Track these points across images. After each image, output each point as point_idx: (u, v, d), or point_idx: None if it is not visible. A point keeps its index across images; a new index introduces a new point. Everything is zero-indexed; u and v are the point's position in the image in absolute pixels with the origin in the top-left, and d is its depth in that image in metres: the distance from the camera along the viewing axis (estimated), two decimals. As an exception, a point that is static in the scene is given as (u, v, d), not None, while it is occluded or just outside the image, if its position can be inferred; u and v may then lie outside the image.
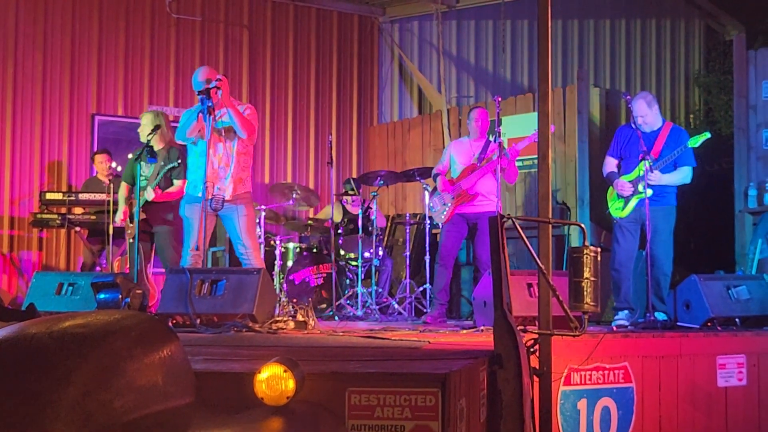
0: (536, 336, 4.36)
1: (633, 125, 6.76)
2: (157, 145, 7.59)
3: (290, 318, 5.99)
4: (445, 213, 7.51)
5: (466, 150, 7.67)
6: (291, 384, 2.84)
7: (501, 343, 3.83)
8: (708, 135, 6.64)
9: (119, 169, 9.38)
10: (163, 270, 7.28)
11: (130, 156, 8.24)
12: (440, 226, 7.72)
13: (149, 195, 7.32)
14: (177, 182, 7.44)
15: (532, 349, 4.33)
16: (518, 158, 7.58)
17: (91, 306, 6.31)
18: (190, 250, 6.52)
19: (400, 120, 12.05)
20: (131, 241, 7.45)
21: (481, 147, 7.55)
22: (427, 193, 8.25)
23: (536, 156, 4.49)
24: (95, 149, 9.97)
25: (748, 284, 6.66)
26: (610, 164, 7.02)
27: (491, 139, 7.39)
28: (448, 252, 7.54)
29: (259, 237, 8.30)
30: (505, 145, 7.11)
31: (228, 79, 6.51)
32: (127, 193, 7.81)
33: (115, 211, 8.29)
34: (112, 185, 8.41)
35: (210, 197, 6.37)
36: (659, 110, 7.01)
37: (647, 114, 6.81)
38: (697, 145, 6.59)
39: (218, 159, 6.55)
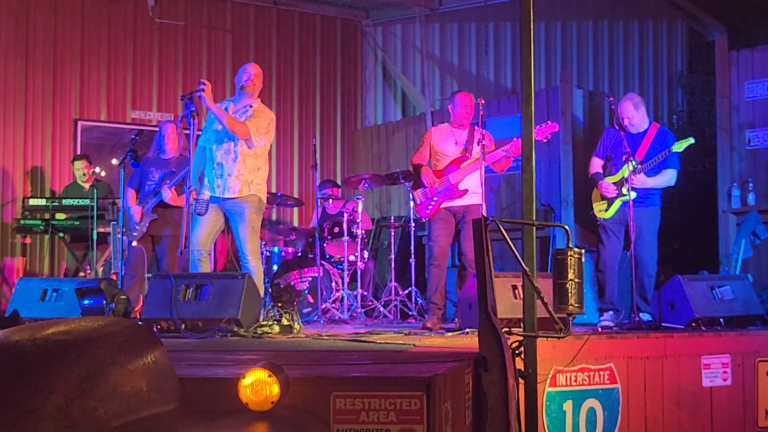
0: (521, 338, 4.36)
1: (616, 126, 6.78)
2: (170, 153, 7.66)
3: (275, 322, 5.97)
4: (430, 207, 6.95)
5: (449, 138, 7.05)
6: (276, 389, 2.84)
7: (486, 346, 3.83)
8: (692, 140, 6.64)
9: (103, 174, 9.36)
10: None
11: (114, 162, 8.18)
12: (426, 222, 7.28)
13: (165, 194, 7.33)
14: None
15: (517, 351, 4.33)
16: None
17: (75, 312, 6.27)
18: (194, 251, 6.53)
19: (384, 123, 12.07)
20: (135, 244, 7.43)
21: (465, 135, 6.98)
22: (416, 193, 7.32)
23: (520, 157, 4.50)
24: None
25: (732, 284, 6.67)
26: (596, 165, 7.02)
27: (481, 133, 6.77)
28: (442, 250, 6.91)
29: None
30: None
31: (210, 84, 6.49)
32: (133, 200, 7.66)
33: (99, 217, 8.30)
34: (96, 190, 8.40)
35: (194, 199, 6.38)
36: (646, 112, 7.02)
37: (634, 116, 6.82)
38: (681, 150, 6.61)
39: (219, 156, 6.58)
